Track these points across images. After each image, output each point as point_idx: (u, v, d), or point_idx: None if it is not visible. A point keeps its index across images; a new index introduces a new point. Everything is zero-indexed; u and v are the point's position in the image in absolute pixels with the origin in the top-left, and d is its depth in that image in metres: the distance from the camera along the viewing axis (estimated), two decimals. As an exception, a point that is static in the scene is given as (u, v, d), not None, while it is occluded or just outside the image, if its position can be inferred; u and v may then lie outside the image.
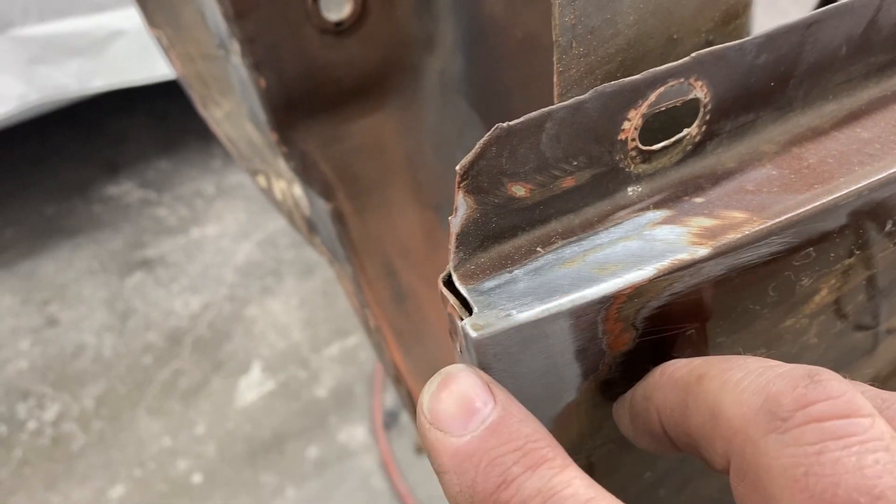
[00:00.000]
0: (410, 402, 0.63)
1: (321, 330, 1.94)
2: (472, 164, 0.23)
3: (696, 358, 0.25)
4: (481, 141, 0.23)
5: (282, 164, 0.67)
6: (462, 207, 0.24)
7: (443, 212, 0.65)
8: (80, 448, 1.72)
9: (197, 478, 1.66)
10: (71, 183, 2.41)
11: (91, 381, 1.85)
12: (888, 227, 0.30)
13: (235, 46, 0.52)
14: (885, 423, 0.19)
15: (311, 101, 0.56)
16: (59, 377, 1.86)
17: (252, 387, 1.83)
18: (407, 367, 0.64)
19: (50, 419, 1.78)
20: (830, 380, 0.20)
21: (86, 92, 1.90)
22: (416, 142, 0.62)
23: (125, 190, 2.40)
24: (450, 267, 0.25)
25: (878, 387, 0.23)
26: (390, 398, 1.78)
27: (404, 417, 1.75)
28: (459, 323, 0.24)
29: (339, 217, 0.61)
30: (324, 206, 0.61)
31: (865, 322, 0.37)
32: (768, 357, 0.33)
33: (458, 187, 0.24)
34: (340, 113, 0.58)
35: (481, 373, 0.24)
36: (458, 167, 0.23)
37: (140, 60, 1.88)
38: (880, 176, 0.27)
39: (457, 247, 0.25)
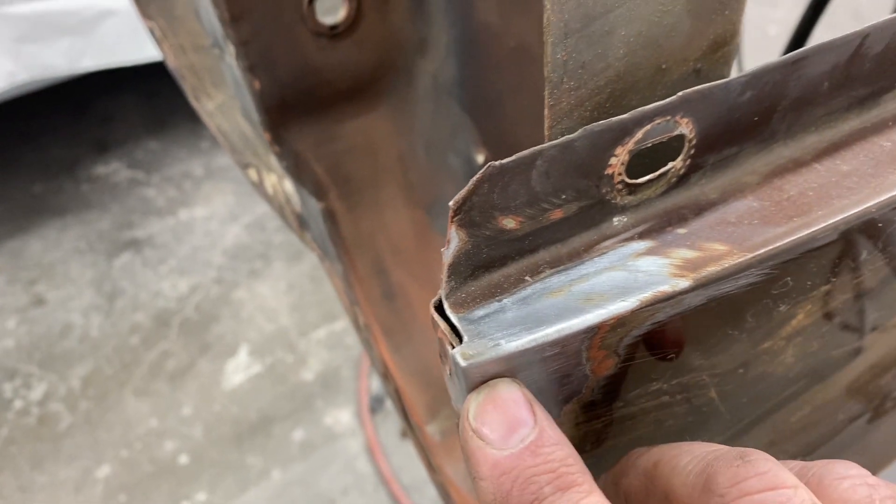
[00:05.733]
0: (398, 398, 0.64)
1: (309, 314, 1.95)
2: (465, 199, 0.24)
3: (654, 446, 0.28)
4: (474, 178, 0.24)
5: (273, 160, 0.67)
6: (454, 240, 0.25)
7: (433, 212, 0.66)
8: (67, 428, 1.73)
9: (183, 459, 1.67)
10: (59, 162, 2.39)
11: (78, 362, 1.86)
12: (863, 256, 0.31)
13: (230, 48, 0.52)
14: (807, 491, 0.23)
15: (305, 103, 0.57)
16: (45, 357, 1.87)
17: (239, 369, 1.84)
18: (395, 363, 0.65)
19: (36, 399, 1.78)
20: (758, 459, 0.24)
21: (75, 71, 1.89)
22: (409, 143, 0.62)
23: (113, 169, 2.39)
24: (441, 295, 0.26)
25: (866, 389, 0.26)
26: (376, 383, 1.79)
27: (390, 403, 1.76)
28: (450, 350, 0.25)
29: (330, 216, 0.62)
30: (315, 205, 0.62)
31: (844, 343, 0.39)
32: (746, 376, 0.34)
33: (451, 221, 0.24)
34: (334, 114, 0.59)
35: (525, 390, 0.25)
36: (451, 203, 0.24)
37: (130, 40, 1.87)
38: (856, 210, 0.28)
39: (448, 276, 0.26)
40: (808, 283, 0.30)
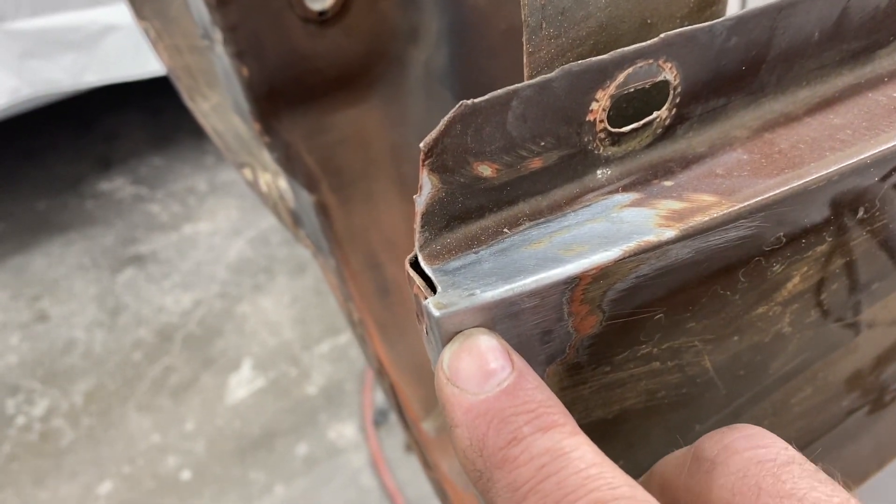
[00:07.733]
0: (394, 395, 0.63)
1: (312, 328, 1.94)
2: (437, 141, 0.23)
3: None
4: (445, 118, 0.23)
5: (267, 156, 0.66)
6: (427, 186, 0.24)
7: (427, 205, 0.65)
8: (69, 444, 1.71)
9: (186, 474, 1.65)
10: (63, 178, 2.40)
11: (81, 377, 1.85)
12: (860, 213, 0.30)
13: (218, 35, 0.51)
14: (794, 450, 0.24)
15: (295, 91, 0.56)
16: (48, 372, 1.86)
17: (242, 384, 1.82)
18: (390, 359, 0.64)
19: (39, 414, 1.77)
20: (743, 426, 0.25)
21: (78, 87, 1.90)
22: (401, 134, 0.62)
23: (118, 186, 2.39)
24: (415, 247, 0.25)
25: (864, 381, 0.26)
26: (380, 396, 1.77)
27: (394, 416, 1.74)
28: (424, 302, 0.24)
29: (322, 209, 0.61)
30: (307, 198, 0.61)
31: (844, 315, 0.37)
32: (741, 345, 0.33)
33: (423, 165, 0.23)
34: (324, 104, 0.58)
35: (502, 339, 0.24)
36: (422, 144, 0.23)
37: (133, 56, 1.88)
38: (850, 162, 0.27)
39: (422, 226, 0.25)
40: (804, 241, 0.29)
